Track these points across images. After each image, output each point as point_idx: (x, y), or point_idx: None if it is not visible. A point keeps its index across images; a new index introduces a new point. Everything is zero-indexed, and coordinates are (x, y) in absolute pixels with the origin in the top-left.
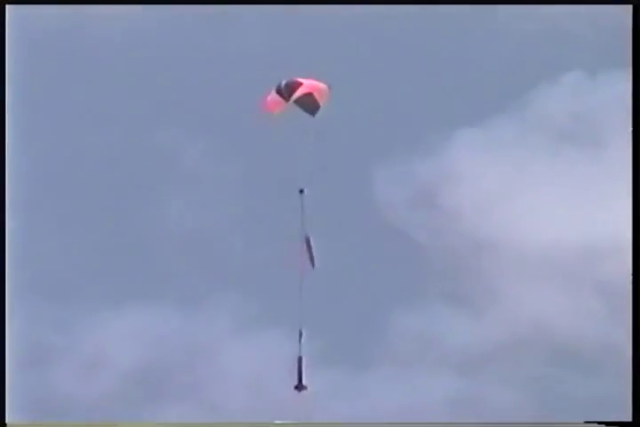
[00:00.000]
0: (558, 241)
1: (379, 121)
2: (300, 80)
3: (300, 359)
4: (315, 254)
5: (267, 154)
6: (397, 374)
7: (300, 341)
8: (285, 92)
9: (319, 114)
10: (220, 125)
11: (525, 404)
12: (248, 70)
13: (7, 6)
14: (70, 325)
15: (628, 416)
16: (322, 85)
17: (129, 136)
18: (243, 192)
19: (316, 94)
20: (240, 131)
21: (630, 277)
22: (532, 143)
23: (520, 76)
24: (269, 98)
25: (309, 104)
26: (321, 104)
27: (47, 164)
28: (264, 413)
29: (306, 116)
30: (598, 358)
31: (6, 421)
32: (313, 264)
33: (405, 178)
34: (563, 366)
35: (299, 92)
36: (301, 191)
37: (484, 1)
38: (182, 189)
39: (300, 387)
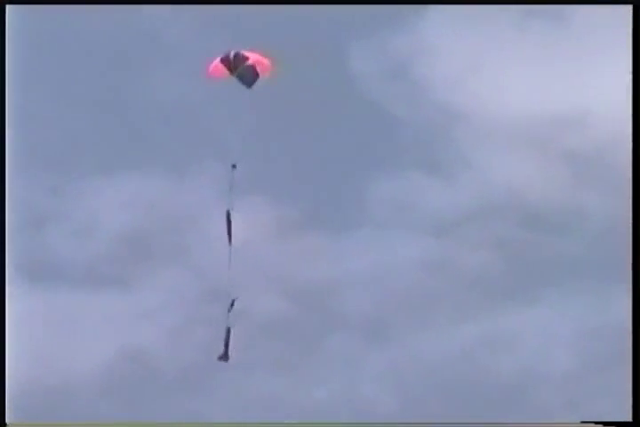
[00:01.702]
0: (526, 111)
1: None
2: (247, 54)
3: (228, 330)
4: (232, 231)
5: (247, 29)
6: (375, 237)
7: (229, 310)
8: (233, 63)
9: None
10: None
11: (496, 264)
12: None
13: (7, 6)
14: (64, 192)
15: (627, 416)
16: (266, 61)
17: (117, 16)
18: None
19: (258, 68)
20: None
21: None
22: (501, 19)
23: None
24: (214, 65)
25: (249, 76)
26: (261, 77)
27: (46, 54)
28: (245, 271)
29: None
30: (566, 221)
31: (6, 421)
32: (230, 242)
33: (380, 52)
34: (532, 229)
35: (243, 65)
36: (234, 166)
37: None
38: (166, 62)
39: (223, 358)
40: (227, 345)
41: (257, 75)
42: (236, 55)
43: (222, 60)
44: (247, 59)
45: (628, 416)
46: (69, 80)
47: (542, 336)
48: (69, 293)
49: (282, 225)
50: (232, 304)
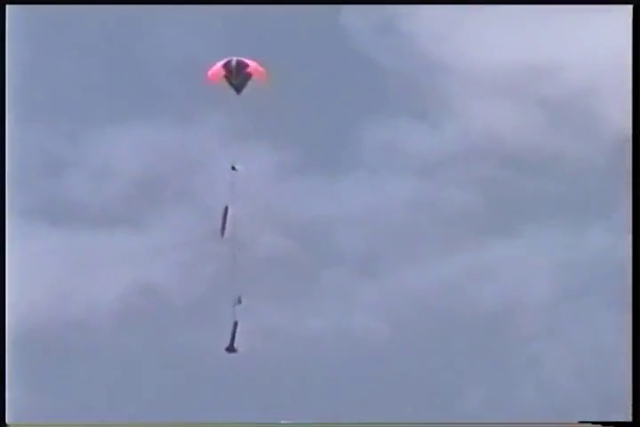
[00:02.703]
0: (504, 63)
1: None
2: (247, 62)
3: (235, 324)
4: (226, 226)
5: None
6: (367, 178)
7: (234, 306)
8: (235, 69)
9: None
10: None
11: (478, 202)
12: None
13: (7, 6)
14: (80, 139)
15: (627, 416)
16: (263, 70)
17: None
18: (229, 23)
19: (255, 77)
20: None
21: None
22: None
23: None
24: (215, 69)
25: (242, 84)
26: (257, 83)
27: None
28: (249, 211)
29: None
30: (542, 162)
31: (6, 421)
32: (222, 234)
33: (368, 7)
34: (511, 169)
35: (243, 72)
36: (233, 168)
37: None
38: (174, 19)
39: (230, 350)
40: (233, 338)
41: (247, 81)
42: (238, 63)
43: (224, 66)
44: (247, 66)
45: (627, 416)
46: (82, 40)
47: (521, 268)
48: (86, 233)
49: (281, 169)
50: (239, 301)
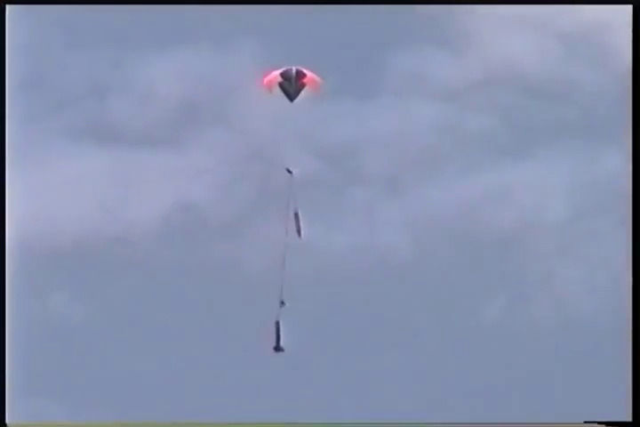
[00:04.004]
0: None
1: None
2: (305, 71)
3: (277, 323)
4: (301, 226)
5: None
6: (393, 103)
7: (279, 308)
8: (295, 77)
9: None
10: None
11: (497, 127)
12: None
13: (7, 6)
14: (124, 64)
15: (627, 416)
16: (318, 79)
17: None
18: None
19: (309, 87)
20: None
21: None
22: None
23: None
24: (272, 76)
25: (296, 92)
26: (309, 92)
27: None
28: (283, 134)
29: None
30: (559, 90)
31: (6, 421)
32: (300, 234)
33: None
34: (529, 96)
35: (300, 82)
36: (290, 172)
37: None
38: None
39: (277, 349)
40: (278, 337)
41: (302, 90)
42: (297, 72)
43: (282, 74)
44: (304, 76)
45: (628, 416)
46: None
47: (537, 189)
48: (130, 153)
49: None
50: (282, 303)
